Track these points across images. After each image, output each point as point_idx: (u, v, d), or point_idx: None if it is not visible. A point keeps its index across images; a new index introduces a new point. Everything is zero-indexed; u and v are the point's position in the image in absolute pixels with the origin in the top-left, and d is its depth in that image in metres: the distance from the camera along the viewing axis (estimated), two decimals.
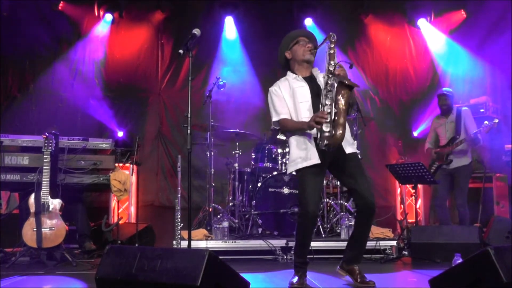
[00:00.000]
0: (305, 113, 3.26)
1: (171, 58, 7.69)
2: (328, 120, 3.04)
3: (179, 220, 4.37)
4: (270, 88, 3.46)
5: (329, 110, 3.08)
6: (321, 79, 3.32)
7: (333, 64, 3.16)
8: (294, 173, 3.40)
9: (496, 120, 5.09)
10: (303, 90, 3.32)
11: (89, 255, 4.74)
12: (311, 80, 3.37)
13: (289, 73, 3.48)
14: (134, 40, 7.60)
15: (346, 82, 3.05)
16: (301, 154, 3.28)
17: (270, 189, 5.11)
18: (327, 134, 3.06)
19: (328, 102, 3.12)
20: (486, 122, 5.14)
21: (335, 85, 3.09)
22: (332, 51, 3.20)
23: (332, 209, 5.41)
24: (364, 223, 3.34)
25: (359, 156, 3.45)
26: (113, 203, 5.92)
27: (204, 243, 4.60)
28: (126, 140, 6.83)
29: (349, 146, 3.31)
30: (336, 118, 3.06)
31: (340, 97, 3.08)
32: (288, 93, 3.36)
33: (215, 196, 5.65)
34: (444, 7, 7.50)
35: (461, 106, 5.82)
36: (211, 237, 4.75)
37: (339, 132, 3.04)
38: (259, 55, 7.68)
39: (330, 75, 3.14)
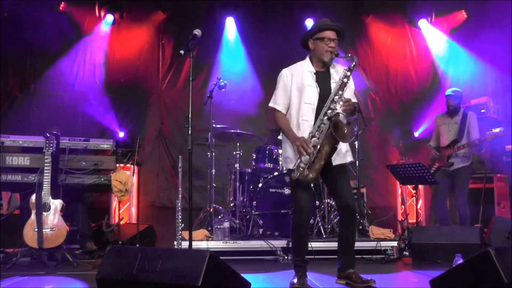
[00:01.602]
0: (307, 116, 3.27)
1: (172, 59, 7.69)
2: (308, 155, 3.08)
3: (180, 220, 4.37)
4: (283, 70, 3.44)
5: (314, 144, 3.11)
6: (335, 77, 3.31)
7: (338, 96, 3.16)
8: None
9: (502, 129, 5.03)
10: (312, 92, 3.30)
11: (90, 255, 4.74)
12: (323, 79, 3.35)
13: (307, 60, 3.43)
14: (135, 41, 7.60)
15: (337, 137, 3.05)
16: (292, 153, 3.29)
17: (271, 190, 5.12)
18: (301, 168, 3.10)
19: (317, 135, 3.14)
20: (495, 129, 5.06)
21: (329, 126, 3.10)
22: (345, 80, 3.19)
23: (332, 209, 5.40)
24: (347, 226, 3.38)
25: (351, 163, 3.46)
26: (114, 203, 5.92)
27: (205, 244, 4.61)
28: (127, 141, 6.83)
29: (338, 158, 3.32)
30: (314, 161, 3.09)
31: (325, 142, 3.10)
32: (296, 86, 3.35)
33: (216, 197, 5.65)
34: (444, 7, 7.50)
35: (467, 108, 5.78)
36: (212, 237, 4.76)
37: (311, 176, 3.09)
38: (260, 56, 7.68)
39: (330, 111, 3.14)
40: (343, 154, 3.36)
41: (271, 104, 3.44)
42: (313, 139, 3.15)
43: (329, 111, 3.17)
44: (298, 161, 3.15)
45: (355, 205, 3.34)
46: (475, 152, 5.39)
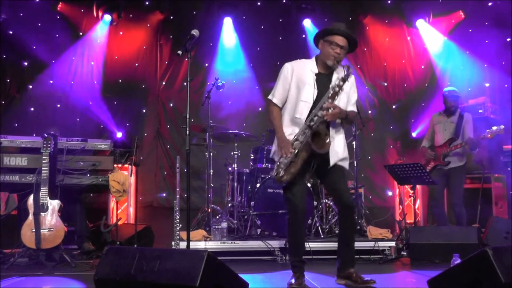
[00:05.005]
0: (301, 113, 3.27)
1: (169, 59, 7.70)
2: (287, 158, 3.16)
3: (177, 220, 4.37)
4: (286, 63, 3.43)
5: (295, 151, 3.16)
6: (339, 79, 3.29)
7: (327, 105, 3.15)
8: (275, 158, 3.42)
9: (502, 127, 5.03)
10: (309, 91, 3.29)
11: (88, 256, 4.73)
12: (324, 82, 3.32)
13: (313, 60, 3.42)
14: (133, 41, 7.61)
15: (313, 146, 3.10)
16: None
17: (268, 190, 5.11)
18: (280, 169, 3.18)
19: (300, 138, 3.18)
20: (494, 127, 5.07)
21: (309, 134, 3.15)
22: (337, 89, 3.20)
23: (330, 209, 5.40)
24: (346, 223, 3.39)
25: (347, 167, 3.47)
26: (112, 204, 5.91)
27: (203, 244, 4.60)
28: (125, 141, 6.83)
29: (335, 159, 3.33)
30: (290, 164, 3.17)
31: (303, 148, 3.16)
32: (296, 83, 3.34)
33: (213, 197, 5.65)
34: (442, 8, 7.52)
35: (464, 109, 5.78)
36: (209, 237, 4.75)
37: (285, 177, 3.18)
38: (258, 56, 7.70)
39: (316, 117, 3.17)
40: (342, 157, 3.37)
41: (269, 96, 3.46)
42: (296, 142, 3.20)
43: (315, 117, 3.18)
44: (278, 161, 3.23)
45: (353, 201, 3.36)
46: (470, 150, 5.39)
